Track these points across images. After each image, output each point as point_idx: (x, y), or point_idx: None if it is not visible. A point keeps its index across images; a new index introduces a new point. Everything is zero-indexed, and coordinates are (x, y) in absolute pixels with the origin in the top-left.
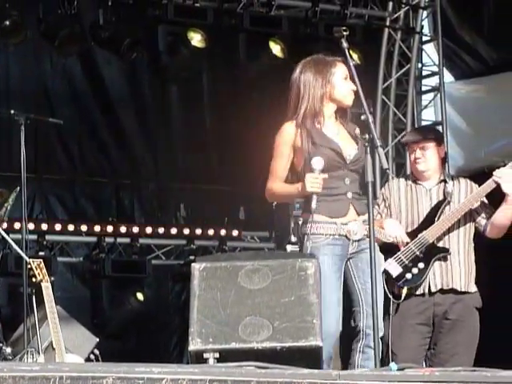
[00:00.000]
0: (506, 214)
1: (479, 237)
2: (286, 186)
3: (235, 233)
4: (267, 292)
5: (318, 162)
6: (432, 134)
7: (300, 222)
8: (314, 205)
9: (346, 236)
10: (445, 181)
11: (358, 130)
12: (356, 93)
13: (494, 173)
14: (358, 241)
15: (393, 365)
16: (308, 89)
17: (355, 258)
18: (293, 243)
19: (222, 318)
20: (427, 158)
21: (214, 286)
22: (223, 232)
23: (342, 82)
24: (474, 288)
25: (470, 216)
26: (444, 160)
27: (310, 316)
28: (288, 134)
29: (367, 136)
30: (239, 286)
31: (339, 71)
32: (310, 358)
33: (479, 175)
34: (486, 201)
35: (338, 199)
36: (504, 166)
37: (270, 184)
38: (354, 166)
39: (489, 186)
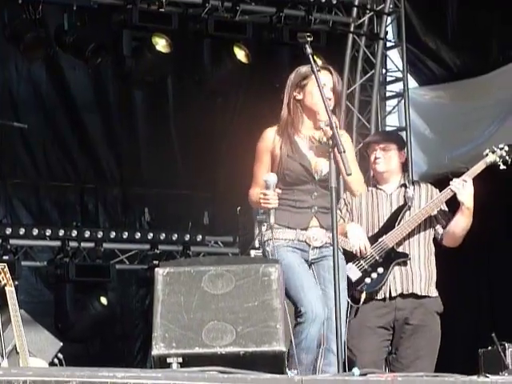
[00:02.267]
0: (459, 223)
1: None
2: (255, 193)
3: (199, 238)
4: (231, 297)
5: (270, 178)
6: (394, 137)
7: (263, 228)
8: (271, 219)
9: (305, 242)
10: (405, 185)
11: (319, 135)
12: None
13: (451, 182)
14: (320, 247)
15: (355, 370)
16: (287, 95)
17: (317, 265)
18: (257, 248)
19: (185, 323)
20: (387, 158)
21: (177, 290)
22: (187, 237)
23: (315, 91)
24: (434, 292)
25: (429, 222)
26: (404, 165)
27: (274, 321)
28: (267, 139)
29: (330, 141)
30: (203, 290)
31: (314, 79)
32: (273, 363)
33: (443, 181)
34: (445, 208)
35: (300, 212)
36: (467, 171)
37: (250, 190)
38: (323, 182)
39: (446, 194)
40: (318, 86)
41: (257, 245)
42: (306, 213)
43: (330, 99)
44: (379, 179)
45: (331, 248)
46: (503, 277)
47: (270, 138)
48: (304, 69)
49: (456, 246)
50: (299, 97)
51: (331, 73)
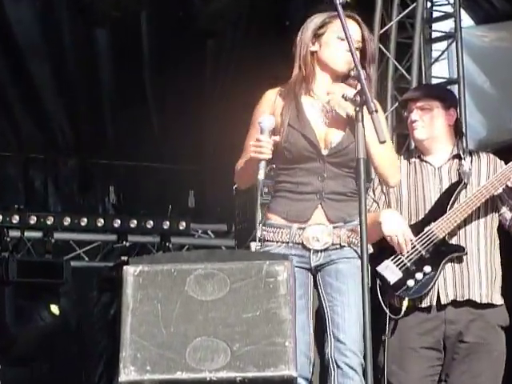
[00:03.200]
0: None
1: (505, 233)
2: (241, 161)
3: (182, 225)
4: (224, 304)
5: (265, 120)
6: (437, 91)
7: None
8: (260, 175)
9: (302, 244)
10: (459, 156)
11: (348, 92)
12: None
13: None
14: (325, 250)
15: None
16: (298, 49)
17: (323, 272)
18: (259, 239)
19: (163, 339)
20: (427, 121)
21: (153, 296)
22: (166, 224)
23: (334, 42)
24: (499, 300)
25: (492, 204)
26: (456, 129)
27: (282, 337)
28: (266, 102)
29: (358, 98)
30: (187, 296)
31: (333, 28)
32: None
33: (507, 151)
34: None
35: (302, 199)
36: None
37: (237, 163)
38: (335, 158)
39: None
40: (342, 24)
41: (259, 234)
42: (310, 200)
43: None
44: (422, 149)
45: (344, 250)
46: None
47: (270, 99)
48: (323, 15)
49: None
50: (314, 48)
51: (359, 24)
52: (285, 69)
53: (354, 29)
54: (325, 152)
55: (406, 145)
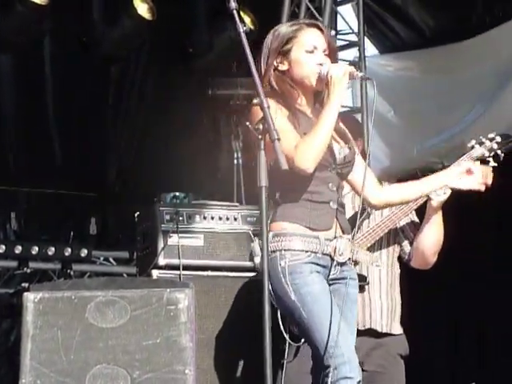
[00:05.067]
0: (435, 235)
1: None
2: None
3: (84, 252)
4: (125, 332)
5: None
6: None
7: (270, 236)
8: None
9: (330, 256)
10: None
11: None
12: (248, 68)
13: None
14: (342, 265)
15: None
16: (265, 67)
17: (334, 289)
18: (160, 267)
19: (63, 366)
20: None
21: (53, 323)
22: (67, 251)
23: (303, 57)
24: (398, 329)
25: (395, 235)
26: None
27: (182, 364)
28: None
29: (261, 127)
30: (87, 323)
31: (300, 42)
32: None
33: (410, 180)
34: (415, 218)
35: (318, 208)
36: (442, 168)
37: (297, 151)
38: (343, 169)
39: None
40: (244, 50)
41: (161, 262)
42: (326, 209)
43: (321, 64)
44: None
45: (352, 269)
46: (490, 311)
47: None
48: (285, 28)
49: (427, 268)
50: (283, 67)
51: (321, 30)
52: (187, 95)
53: (319, 39)
54: (338, 161)
55: None
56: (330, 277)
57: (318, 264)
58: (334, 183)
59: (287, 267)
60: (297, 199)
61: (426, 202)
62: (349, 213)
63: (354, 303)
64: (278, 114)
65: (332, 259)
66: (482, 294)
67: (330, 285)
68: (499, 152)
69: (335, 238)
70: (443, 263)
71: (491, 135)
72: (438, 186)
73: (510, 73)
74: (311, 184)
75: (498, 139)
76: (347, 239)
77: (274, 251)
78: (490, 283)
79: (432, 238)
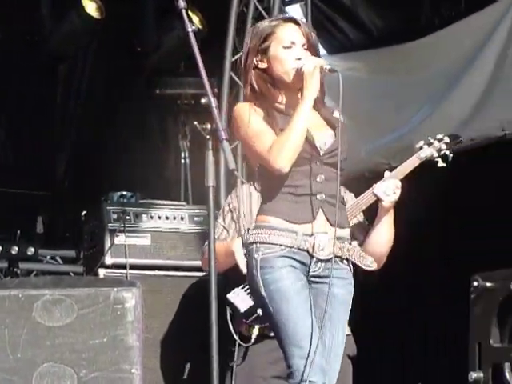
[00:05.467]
0: (385, 236)
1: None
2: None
3: (30, 251)
4: (71, 331)
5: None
6: None
7: (252, 228)
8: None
9: (307, 251)
10: None
11: (336, 113)
12: (196, 68)
13: (374, 185)
14: (326, 261)
15: None
16: (245, 67)
17: (316, 289)
18: (107, 266)
19: (10, 365)
20: None
21: (0, 321)
22: (14, 250)
23: (281, 53)
24: (346, 330)
25: None
26: None
27: (128, 363)
28: (247, 110)
29: (209, 126)
30: (34, 321)
31: (278, 38)
32: None
33: (358, 181)
34: (363, 219)
35: (301, 201)
36: (390, 169)
37: (271, 152)
38: (330, 159)
39: (367, 199)
40: (192, 50)
41: (108, 261)
42: (311, 202)
43: (299, 59)
44: None
45: (342, 267)
46: (437, 313)
47: (249, 110)
48: (263, 25)
49: (377, 269)
50: (263, 65)
51: (298, 23)
52: (135, 94)
53: (296, 33)
54: (321, 152)
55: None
56: (311, 274)
57: (293, 259)
58: (324, 175)
59: (259, 260)
60: (280, 193)
61: (376, 203)
62: None
63: (342, 304)
64: (252, 116)
65: (311, 255)
66: (427, 294)
67: (313, 282)
68: (448, 152)
69: (314, 233)
70: (391, 264)
71: (439, 136)
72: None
73: (459, 74)
74: (296, 178)
75: (447, 140)
76: (331, 235)
77: (251, 243)
78: (436, 283)
79: (383, 239)
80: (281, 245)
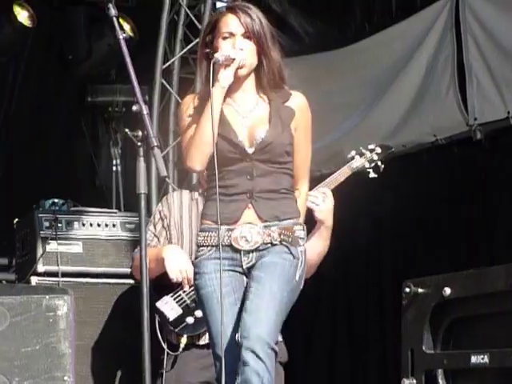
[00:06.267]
0: (315, 248)
1: None
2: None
3: None
4: (4, 338)
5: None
6: None
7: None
8: None
9: (231, 246)
10: None
11: (297, 99)
12: (127, 75)
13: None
14: (255, 251)
15: None
16: (198, 58)
17: (253, 269)
18: (39, 274)
19: None
20: None
21: None
22: None
23: (221, 45)
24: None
25: None
26: None
27: (61, 371)
28: (188, 109)
29: (140, 133)
30: None
31: (218, 30)
32: None
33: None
34: None
35: (232, 200)
36: (320, 176)
37: (185, 151)
38: (262, 155)
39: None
40: (123, 57)
41: (40, 269)
42: (240, 200)
43: (242, 49)
44: None
45: (275, 248)
46: (370, 318)
47: (190, 104)
48: (211, 17)
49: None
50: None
51: (237, 13)
52: (66, 102)
53: (235, 23)
54: (250, 150)
55: (188, 180)
56: (246, 265)
57: (223, 258)
58: (257, 170)
59: (195, 264)
60: (213, 195)
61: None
62: None
63: (268, 266)
64: (189, 110)
65: (237, 249)
66: (358, 294)
67: (250, 272)
68: (379, 163)
69: (237, 227)
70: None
71: (371, 146)
72: None
73: (390, 79)
74: (227, 178)
75: (378, 150)
76: (255, 225)
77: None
78: (365, 288)
79: (317, 249)
80: (207, 245)
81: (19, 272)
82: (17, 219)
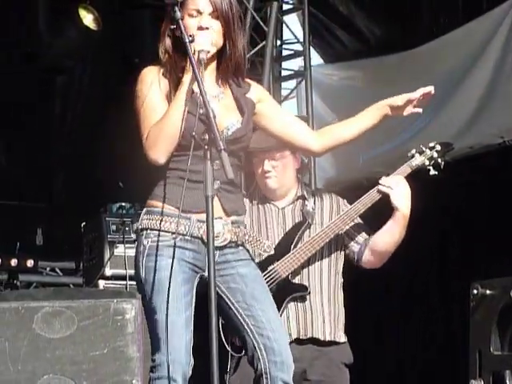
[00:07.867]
0: (392, 235)
1: (350, 271)
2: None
3: (30, 263)
4: (72, 342)
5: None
6: None
7: (143, 212)
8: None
9: (201, 239)
10: (303, 197)
11: (257, 92)
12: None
13: (380, 181)
14: (222, 248)
15: None
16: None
17: (223, 276)
18: (107, 278)
19: (11, 377)
20: (280, 171)
21: (0, 333)
22: (14, 262)
23: (187, 23)
24: (342, 338)
25: (337, 244)
26: (300, 169)
27: (129, 375)
28: (152, 75)
29: (207, 136)
30: (34, 333)
31: (186, 5)
32: None
33: (356, 189)
34: (360, 221)
35: (196, 187)
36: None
37: (147, 140)
38: (232, 145)
39: (371, 197)
40: (190, 60)
41: (108, 273)
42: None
43: (208, 28)
44: (271, 195)
45: (238, 251)
46: (438, 320)
47: (155, 75)
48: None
49: (377, 268)
50: (177, 33)
51: None
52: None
53: (204, 1)
54: (225, 139)
55: (255, 182)
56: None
57: (185, 248)
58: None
59: (148, 247)
60: (172, 177)
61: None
62: (315, 228)
63: (254, 281)
64: (153, 84)
65: (204, 243)
66: (426, 300)
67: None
68: (439, 161)
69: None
70: (387, 272)
71: (431, 144)
72: (377, 117)
73: (456, 82)
74: (192, 163)
75: (438, 148)
76: (225, 221)
77: (141, 229)
78: (436, 288)
79: (394, 238)
80: (173, 232)
81: (86, 276)
82: (84, 223)
